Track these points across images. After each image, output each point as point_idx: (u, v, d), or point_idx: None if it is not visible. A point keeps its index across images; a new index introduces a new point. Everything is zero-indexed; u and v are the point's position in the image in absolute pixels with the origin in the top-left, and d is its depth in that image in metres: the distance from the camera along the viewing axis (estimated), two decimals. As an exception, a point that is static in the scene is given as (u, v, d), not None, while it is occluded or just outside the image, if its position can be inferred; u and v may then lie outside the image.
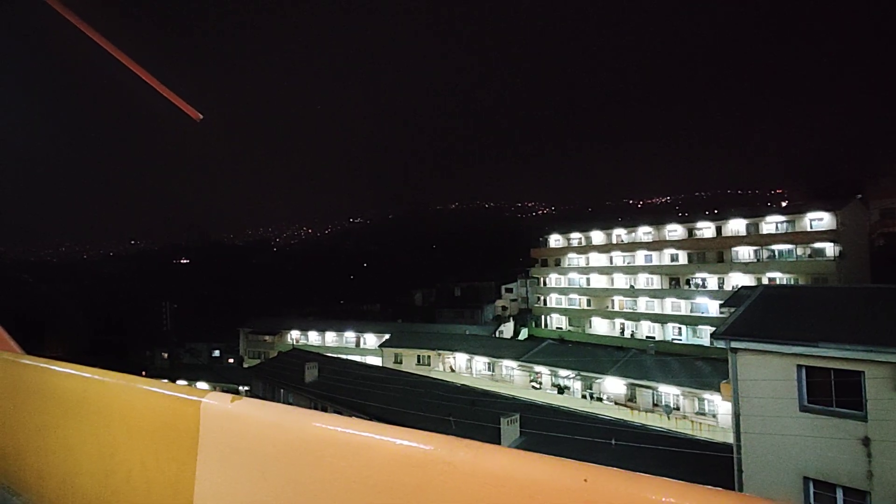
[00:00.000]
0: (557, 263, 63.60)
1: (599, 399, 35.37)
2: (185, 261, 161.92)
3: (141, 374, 2.80)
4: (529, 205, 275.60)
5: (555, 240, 65.01)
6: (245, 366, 57.55)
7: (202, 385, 45.06)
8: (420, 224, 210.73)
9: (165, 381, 2.62)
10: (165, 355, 61.91)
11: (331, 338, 58.99)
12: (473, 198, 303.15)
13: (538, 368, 39.59)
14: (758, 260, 47.32)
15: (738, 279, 46.94)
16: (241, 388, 45.45)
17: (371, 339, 55.69)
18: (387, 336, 52.77)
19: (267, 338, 61.68)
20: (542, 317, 62.85)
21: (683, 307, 50.43)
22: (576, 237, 63.04)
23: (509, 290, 70.22)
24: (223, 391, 2.27)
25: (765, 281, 44.64)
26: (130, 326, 67.58)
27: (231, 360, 64.21)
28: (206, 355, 66.54)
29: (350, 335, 57.92)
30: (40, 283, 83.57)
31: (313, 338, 59.91)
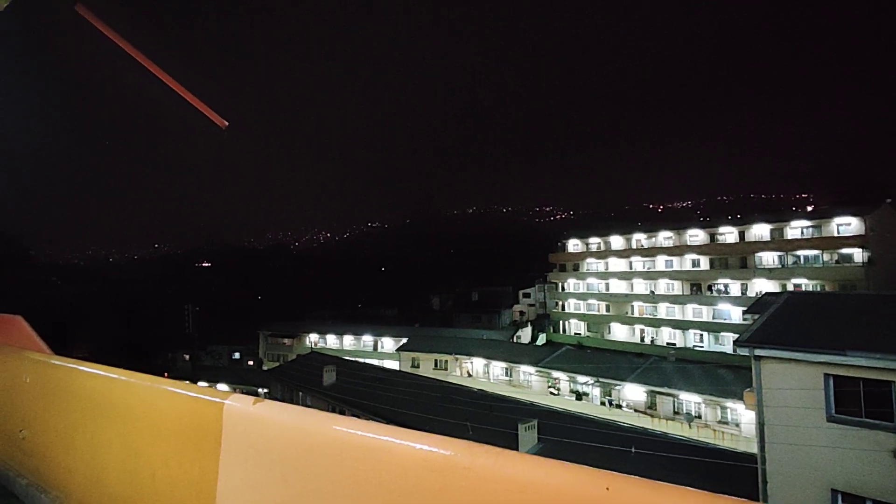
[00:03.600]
0: (576, 268, 63.05)
1: (619, 406, 34.91)
2: (206, 264, 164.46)
3: (163, 376, 2.85)
4: (547, 209, 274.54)
5: (573, 244, 64.53)
6: (264, 368, 58.15)
7: (222, 387, 45.62)
8: (437, 228, 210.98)
9: (188, 382, 2.66)
10: (187, 357, 62.87)
11: (348, 341, 59.31)
12: (491, 202, 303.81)
13: (556, 374, 39.23)
14: (782, 266, 46.31)
15: (761, 285, 45.99)
16: (260, 390, 45.93)
17: (388, 343, 55.82)
18: (404, 340, 52.83)
19: (286, 341, 62.25)
20: (561, 322, 62.37)
21: (705, 313, 49.56)
22: (594, 242, 62.49)
23: (527, 296, 69.85)
24: (243, 393, 2.30)
25: (790, 287, 43.62)
26: (154, 328, 68.79)
27: (251, 363, 64.96)
28: (227, 357, 67.44)
29: (368, 339, 58.14)
30: (68, 286, 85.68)
31: (331, 341, 60.28)
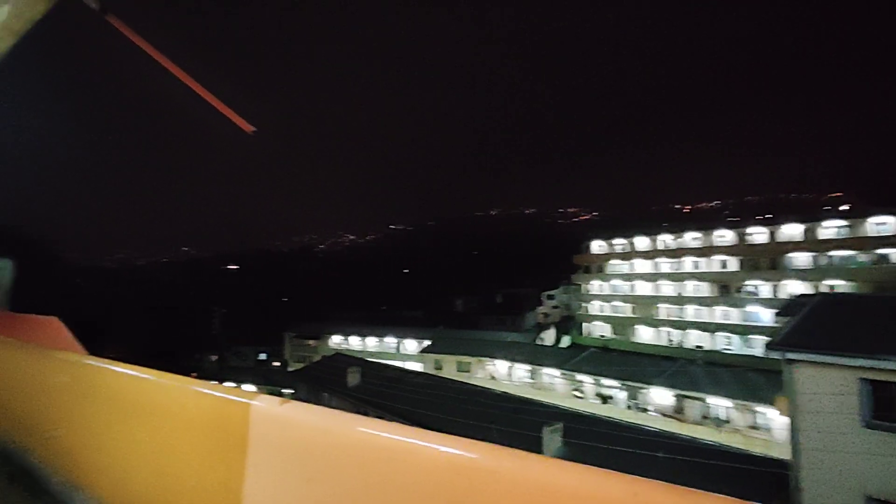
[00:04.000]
0: (600, 270, 62.44)
1: (645, 410, 34.39)
2: (233, 267, 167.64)
3: (191, 376, 2.90)
4: (571, 210, 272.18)
5: (598, 246, 63.94)
6: (290, 369, 58.97)
7: (248, 387, 46.38)
8: (460, 231, 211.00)
9: (215, 383, 2.70)
10: (214, 358, 64.18)
11: (372, 343, 59.72)
12: (514, 204, 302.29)
13: (581, 377, 38.87)
14: (815, 267, 44.98)
15: (793, 287, 44.73)
16: (285, 390, 46.55)
17: (412, 345, 56.02)
18: (428, 342, 52.95)
19: (310, 342, 63.00)
20: (585, 324, 61.81)
21: (734, 315, 48.45)
22: (619, 243, 61.80)
23: (551, 298, 69.32)
24: (268, 394, 2.32)
25: (823, 289, 42.35)
26: (182, 330, 70.38)
27: (276, 364, 65.92)
28: (253, 358, 68.57)
29: (391, 340, 58.44)
30: (99, 288, 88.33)
31: (355, 343, 60.80)
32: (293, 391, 45.42)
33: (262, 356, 68.76)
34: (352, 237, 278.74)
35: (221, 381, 45.75)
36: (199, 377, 2.86)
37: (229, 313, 59.72)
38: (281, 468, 2.02)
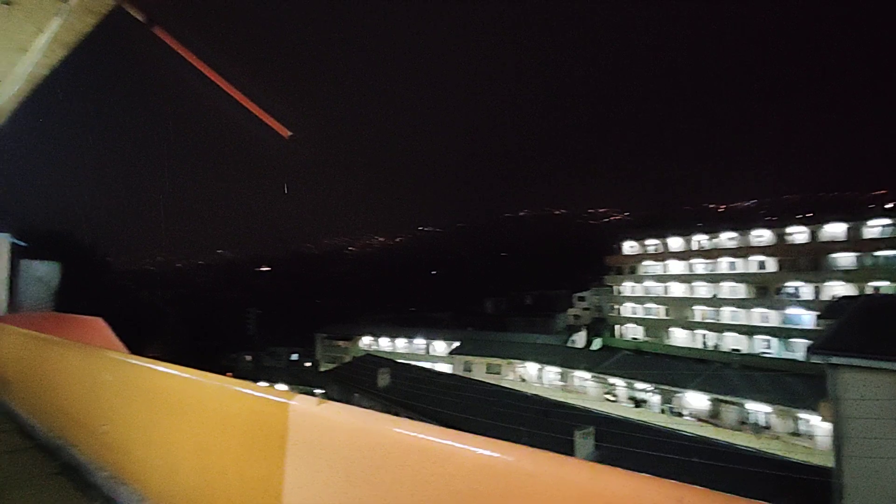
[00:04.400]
0: (633, 271, 61.37)
1: (680, 414, 33.67)
2: (266, 269, 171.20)
3: (227, 375, 2.98)
4: (602, 211, 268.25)
5: (629, 247, 62.88)
6: (321, 370, 59.80)
7: (281, 387, 47.25)
8: (490, 232, 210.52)
9: (251, 382, 2.76)
10: (249, 358, 65.63)
11: (402, 344, 60.03)
12: (543, 205, 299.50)
13: (613, 380, 38.30)
14: (859, 267, 43.15)
15: (836, 288, 43.01)
16: (317, 390, 47.22)
17: (441, 347, 56.09)
18: (457, 343, 52.91)
19: (341, 343, 63.77)
20: (617, 326, 60.80)
21: (773, 318, 46.88)
22: (652, 244, 60.64)
23: (582, 299, 68.46)
24: (301, 394, 2.37)
25: (867, 291, 40.58)
26: (219, 330, 72.26)
27: (308, 364, 66.97)
28: (286, 359, 69.84)
29: (420, 342, 58.65)
30: (140, 290, 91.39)
31: (385, 344, 61.22)
32: (325, 391, 46.03)
33: (295, 357, 69.98)
34: (381, 239, 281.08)
35: (256, 380, 46.68)
36: (235, 376, 2.94)
37: (263, 314, 60.98)
38: (319, 466, 2.05)
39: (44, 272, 10.17)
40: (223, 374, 3.17)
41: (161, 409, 3.21)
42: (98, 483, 3.78)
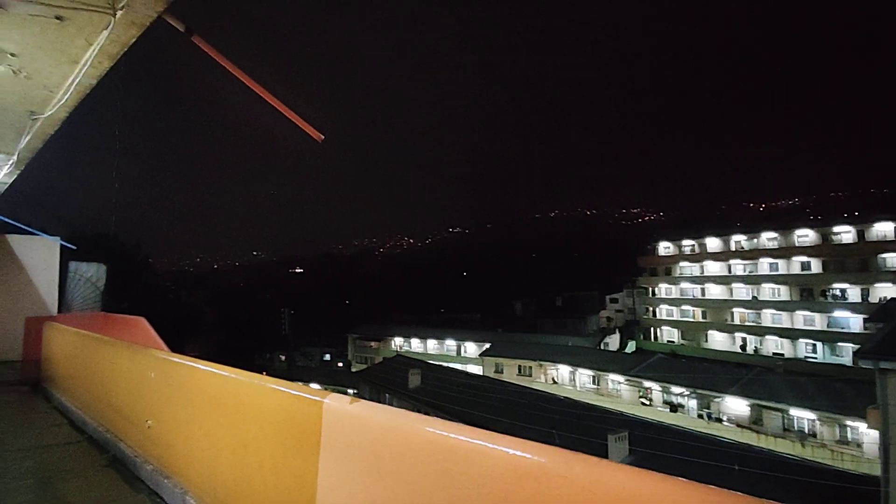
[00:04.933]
0: (668, 272, 60.33)
1: (719, 420, 32.77)
2: (299, 270, 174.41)
3: (262, 374, 3.07)
4: (634, 211, 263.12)
5: (664, 247, 61.84)
6: (353, 370, 60.52)
7: (315, 386, 48.01)
8: (520, 233, 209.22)
9: (287, 382, 2.83)
10: (283, 358, 66.96)
11: (432, 345, 60.26)
12: (574, 205, 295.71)
13: (648, 384, 37.62)
14: (913, 268, 41.15)
15: (886, 290, 41.08)
16: (349, 390, 47.84)
17: (471, 348, 56.07)
18: (487, 345, 52.79)
19: (372, 344, 64.44)
20: (652, 329, 59.89)
21: (818, 321, 45.14)
22: (688, 244, 59.44)
23: (614, 301, 67.38)
24: (334, 393, 2.42)
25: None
26: (253, 330, 73.93)
27: (340, 364, 67.93)
28: (318, 359, 71.03)
29: (451, 343, 58.75)
30: (181, 290, 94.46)
31: (415, 345, 61.58)
32: (356, 391, 46.59)
33: (327, 357, 71.07)
34: (410, 240, 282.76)
35: (290, 380, 47.50)
36: (270, 375, 3.03)
37: (296, 315, 62.07)
38: (352, 463, 2.09)
39: (91, 273, 10.64)
40: (258, 373, 3.27)
41: (201, 406, 3.32)
42: (143, 476, 3.94)
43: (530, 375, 45.83)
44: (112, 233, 47.71)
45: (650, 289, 61.56)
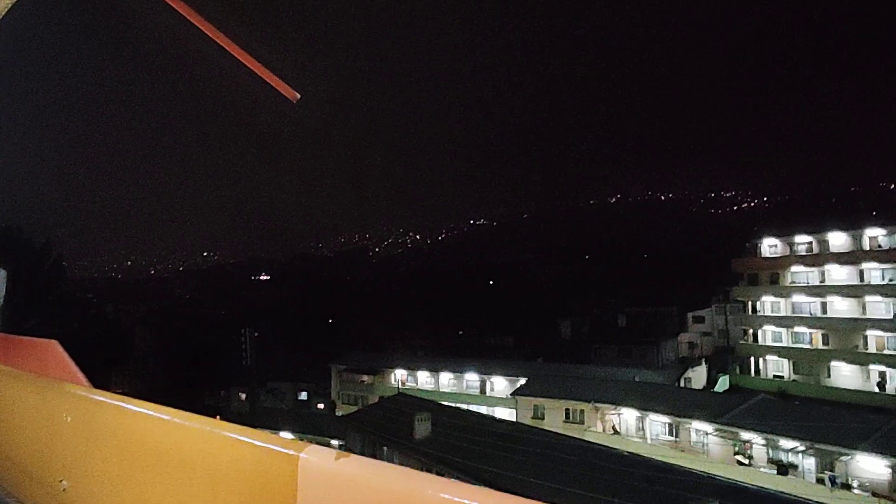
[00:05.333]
0: (774, 280, 60.23)
1: (847, 486, 32.80)
2: (264, 277, 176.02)
3: (215, 418, 3.10)
4: (727, 196, 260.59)
5: (769, 245, 61.62)
6: (338, 413, 60.89)
7: (286, 435, 48.43)
8: (566, 225, 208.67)
9: (250, 429, 2.85)
10: (243, 396, 67.59)
11: (446, 380, 60.38)
12: (643, 187, 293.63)
13: (746, 435, 37.78)
14: None
15: None
16: (333, 441, 48.12)
17: (501, 384, 56.06)
18: (523, 380, 52.85)
19: (365, 378, 64.77)
20: (752, 359, 60.00)
21: None
22: (803, 242, 59.10)
23: (699, 320, 67.09)
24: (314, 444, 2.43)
25: None
26: (204, 358, 74.81)
27: (321, 406, 68.39)
28: (292, 398, 71.54)
29: (472, 378, 58.82)
30: (105, 304, 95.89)
31: (423, 380, 61.78)
32: (343, 442, 46.86)
33: (303, 395, 71.58)
34: (416, 237, 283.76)
35: (253, 426, 47.98)
36: (224, 420, 3.05)
37: (262, 338, 62.60)
38: (339, 541, 2.10)
39: (-14, 281, 10.81)
40: (210, 416, 3.30)
41: (134, 461, 3.36)
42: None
43: (582, 422, 45.99)
44: (14, 226, 48.62)
45: (750, 303, 61.65)
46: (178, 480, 2.97)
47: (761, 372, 58.65)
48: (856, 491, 32.31)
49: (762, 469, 36.34)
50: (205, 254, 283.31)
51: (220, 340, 73.33)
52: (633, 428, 44.14)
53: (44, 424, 4.57)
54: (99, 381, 6.57)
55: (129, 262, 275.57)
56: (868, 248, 54.47)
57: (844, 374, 52.69)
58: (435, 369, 61.64)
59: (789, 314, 58.11)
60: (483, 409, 51.94)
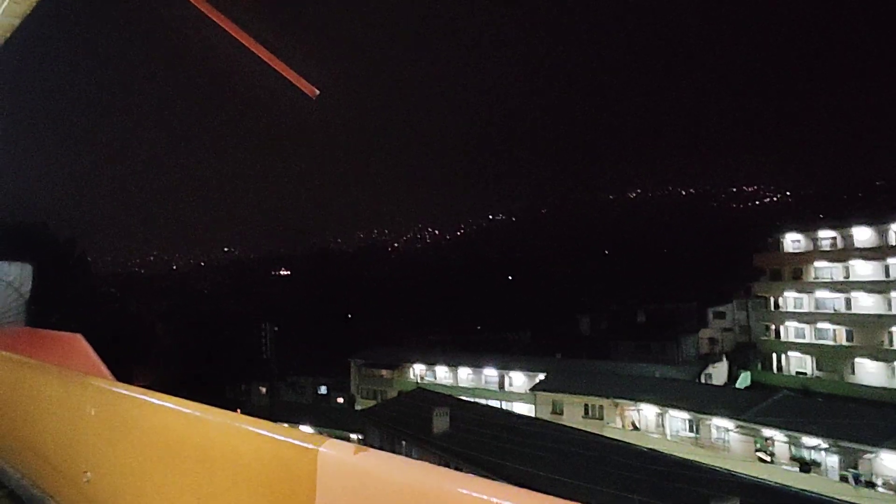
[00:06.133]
0: (797, 275, 59.90)
1: (871, 484, 32.59)
2: (284, 272, 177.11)
3: (235, 412, 3.12)
4: (749, 189, 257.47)
5: (793, 240, 61.30)
6: (357, 407, 61.17)
7: (306, 429, 48.76)
8: (585, 220, 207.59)
9: (270, 423, 2.87)
10: (264, 390, 68.17)
11: (465, 375, 60.46)
12: (663, 181, 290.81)
13: (768, 432, 37.71)
14: None
15: None
16: (352, 435, 48.34)
17: (520, 380, 56.05)
18: (541, 376, 52.88)
19: (384, 372, 65.07)
20: (774, 355, 59.84)
21: None
22: (827, 237, 58.68)
23: (720, 316, 66.65)
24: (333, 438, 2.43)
25: None
26: (224, 353, 75.38)
27: (340, 400, 68.75)
28: (311, 392, 72.01)
29: (491, 373, 58.87)
30: (128, 299, 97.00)
31: (442, 375, 61.94)
32: (362, 436, 47.06)
33: (323, 390, 72.00)
34: (436, 232, 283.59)
35: (273, 420, 48.34)
36: (245, 414, 3.07)
37: (282, 333, 63.07)
38: (357, 533, 2.11)
39: (12, 276, 10.98)
40: (231, 409, 3.32)
41: (156, 454, 3.40)
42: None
43: (601, 418, 46.02)
44: (39, 222, 49.36)
45: (772, 299, 61.57)
46: (198, 473, 3.00)
47: (783, 368, 58.62)
48: (880, 489, 32.12)
49: (784, 466, 36.26)
50: (225, 249, 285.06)
51: (241, 335, 73.86)
52: (653, 424, 44.15)
53: (68, 417, 4.63)
54: (121, 374, 6.66)
55: (151, 258, 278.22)
56: (894, 244, 53.90)
57: (869, 371, 52.42)
58: (453, 364, 61.78)
59: (812, 310, 57.86)
60: (502, 404, 52.02)
